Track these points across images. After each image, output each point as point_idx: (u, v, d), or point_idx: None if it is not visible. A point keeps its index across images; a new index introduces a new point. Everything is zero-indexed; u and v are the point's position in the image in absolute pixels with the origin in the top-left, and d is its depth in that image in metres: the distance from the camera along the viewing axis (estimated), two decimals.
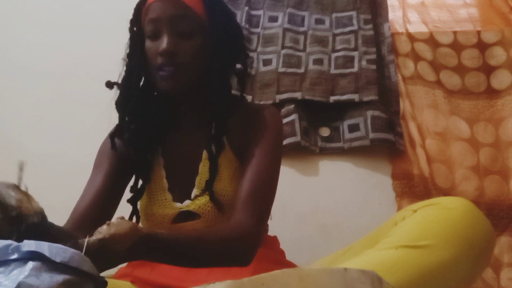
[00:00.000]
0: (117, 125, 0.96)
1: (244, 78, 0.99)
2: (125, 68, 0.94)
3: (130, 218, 0.95)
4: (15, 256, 0.49)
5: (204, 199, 0.89)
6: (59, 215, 1.60)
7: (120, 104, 0.93)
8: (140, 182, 0.97)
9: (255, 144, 0.90)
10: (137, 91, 0.92)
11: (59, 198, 1.55)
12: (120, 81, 0.94)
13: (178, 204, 0.92)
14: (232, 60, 0.96)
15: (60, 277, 0.48)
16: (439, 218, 0.76)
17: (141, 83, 0.94)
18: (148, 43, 0.90)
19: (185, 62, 0.88)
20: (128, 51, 0.94)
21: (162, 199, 0.93)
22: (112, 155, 0.95)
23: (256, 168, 0.87)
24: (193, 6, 0.89)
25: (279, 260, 0.95)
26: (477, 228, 0.76)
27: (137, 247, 0.63)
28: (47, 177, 1.56)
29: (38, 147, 1.63)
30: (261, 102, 1.57)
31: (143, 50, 0.91)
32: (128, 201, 0.96)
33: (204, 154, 0.93)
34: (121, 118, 0.94)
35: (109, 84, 0.94)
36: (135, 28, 0.94)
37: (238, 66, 0.99)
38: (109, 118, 0.95)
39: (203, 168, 0.93)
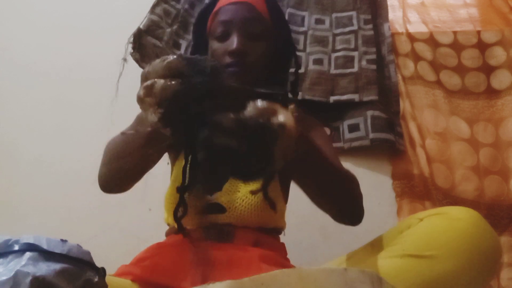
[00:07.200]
0: None
1: (297, 80, 1.07)
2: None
3: (177, 209, 0.90)
4: (14, 248, 0.50)
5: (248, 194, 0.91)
6: (59, 216, 1.60)
7: None
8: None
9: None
10: None
11: (59, 200, 1.55)
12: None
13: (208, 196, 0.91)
14: (289, 64, 1.04)
15: (57, 266, 0.49)
16: (446, 228, 0.75)
17: None
18: (216, 44, 0.94)
19: (253, 62, 0.92)
20: (191, 52, 1.00)
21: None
22: None
23: None
24: (262, 12, 0.95)
25: (286, 266, 0.95)
26: (483, 240, 0.75)
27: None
28: (46, 178, 1.56)
29: (37, 149, 1.63)
30: None
31: (206, 52, 0.96)
32: (178, 190, 0.84)
33: None
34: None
35: None
36: (199, 31, 0.99)
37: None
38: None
39: None
